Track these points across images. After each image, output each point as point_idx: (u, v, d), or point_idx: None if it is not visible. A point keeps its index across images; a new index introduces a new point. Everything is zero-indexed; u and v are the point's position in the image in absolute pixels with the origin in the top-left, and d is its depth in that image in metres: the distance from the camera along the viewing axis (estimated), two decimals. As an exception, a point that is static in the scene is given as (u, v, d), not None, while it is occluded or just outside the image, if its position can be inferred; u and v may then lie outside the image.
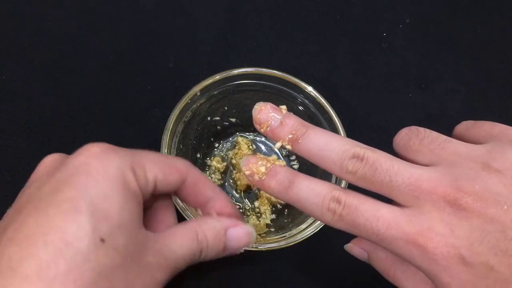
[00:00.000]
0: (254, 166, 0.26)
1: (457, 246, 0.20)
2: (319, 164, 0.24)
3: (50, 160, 0.25)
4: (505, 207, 0.20)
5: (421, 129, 0.25)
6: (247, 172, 0.26)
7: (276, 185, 0.25)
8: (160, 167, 0.25)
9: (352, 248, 0.32)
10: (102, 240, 0.20)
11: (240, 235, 0.27)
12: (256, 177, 0.26)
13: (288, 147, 0.25)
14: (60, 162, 0.24)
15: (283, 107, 0.27)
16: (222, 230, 0.26)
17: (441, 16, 0.53)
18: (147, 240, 0.23)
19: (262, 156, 0.27)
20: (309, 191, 0.24)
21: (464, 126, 0.26)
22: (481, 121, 0.25)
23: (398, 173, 0.22)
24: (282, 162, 0.28)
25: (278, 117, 0.26)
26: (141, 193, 0.24)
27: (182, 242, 0.24)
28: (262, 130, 0.26)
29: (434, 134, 0.24)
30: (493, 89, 0.50)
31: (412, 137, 0.24)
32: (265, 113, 0.26)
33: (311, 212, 0.24)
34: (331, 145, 0.24)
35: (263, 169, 0.26)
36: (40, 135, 0.44)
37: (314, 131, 0.25)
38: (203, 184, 0.28)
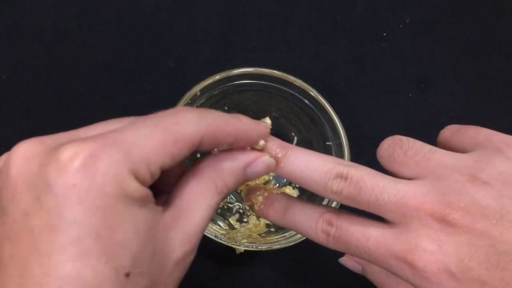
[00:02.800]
0: (254, 197, 0.27)
1: (446, 262, 0.20)
2: (303, 185, 0.24)
3: (27, 155, 0.19)
4: (494, 221, 0.20)
5: (404, 139, 0.24)
6: (247, 203, 0.27)
7: (273, 213, 0.26)
8: (165, 150, 0.20)
9: (346, 261, 0.32)
10: (127, 275, 0.18)
11: (260, 169, 0.24)
12: (256, 207, 0.27)
13: (270, 177, 0.26)
14: (41, 163, 0.19)
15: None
16: (242, 170, 0.24)
17: (441, 16, 0.53)
18: (167, 232, 0.21)
19: (261, 186, 0.28)
20: (303, 215, 0.25)
21: (449, 132, 0.26)
22: (466, 126, 0.25)
23: (383, 191, 0.22)
24: (279, 190, 0.29)
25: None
26: (148, 192, 0.20)
27: (202, 205, 0.22)
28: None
29: (418, 144, 0.23)
30: (493, 89, 0.50)
31: (396, 148, 0.24)
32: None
33: (307, 235, 0.25)
34: (313, 166, 0.23)
35: (260, 198, 0.27)
36: (40, 135, 0.44)
37: (295, 152, 0.24)
38: (218, 139, 0.23)
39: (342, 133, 0.38)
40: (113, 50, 0.49)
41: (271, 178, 0.41)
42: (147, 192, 0.20)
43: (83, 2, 0.51)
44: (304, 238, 0.35)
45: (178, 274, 0.22)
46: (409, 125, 0.48)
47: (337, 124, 0.38)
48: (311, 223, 0.24)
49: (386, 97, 0.49)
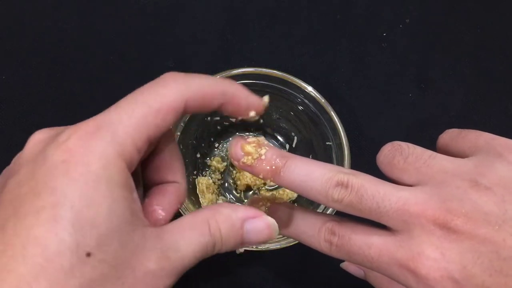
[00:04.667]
0: (257, 208, 0.26)
1: (449, 269, 0.20)
2: (303, 194, 0.24)
3: (37, 140, 0.22)
4: (497, 227, 0.20)
5: (404, 145, 0.24)
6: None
7: (277, 223, 0.25)
8: (148, 123, 0.21)
9: (348, 266, 0.32)
10: (88, 254, 0.18)
11: (260, 228, 0.23)
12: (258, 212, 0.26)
13: (270, 182, 0.25)
14: (46, 144, 0.21)
15: (262, 138, 0.26)
16: (239, 221, 0.23)
17: (441, 16, 0.53)
18: (146, 241, 0.20)
19: (264, 196, 0.28)
20: (305, 224, 0.25)
21: (448, 136, 0.26)
22: (466, 130, 0.25)
23: (384, 198, 0.22)
24: (282, 199, 0.28)
25: (254, 150, 0.25)
26: (132, 179, 0.21)
27: (191, 236, 0.21)
28: (239, 166, 0.25)
29: (419, 150, 0.23)
30: (493, 89, 0.50)
31: (396, 154, 0.23)
32: (241, 148, 0.25)
33: (310, 245, 0.25)
34: (313, 175, 0.23)
35: (263, 209, 0.27)
36: (40, 135, 0.44)
37: (295, 161, 0.24)
38: (205, 101, 0.23)
39: (342, 133, 0.38)
40: (113, 50, 0.49)
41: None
42: (128, 176, 0.20)
43: (83, 2, 0.51)
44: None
45: (150, 285, 0.20)
46: (409, 125, 0.48)
47: (337, 124, 0.38)
48: (314, 233, 0.24)
49: (386, 97, 0.49)
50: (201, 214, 0.22)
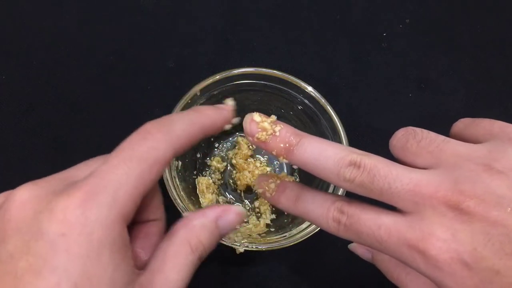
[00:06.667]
0: (266, 184, 0.27)
1: (459, 251, 0.20)
2: (315, 173, 0.24)
3: (23, 202, 0.21)
4: (509, 209, 0.20)
5: (418, 129, 0.24)
6: (260, 191, 0.27)
7: (285, 200, 0.26)
8: (145, 180, 0.22)
9: (357, 247, 0.32)
10: None
11: (231, 219, 0.25)
12: (268, 193, 0.27)
13: (282, 159, 0.25)
14: (36, 211, 0.20)
15: (273, 117, 0.26)
16: (213, 224, 0.25)
17: (441, 16, 0.53)
18: None
19: (273, 173, 0.28)
20: (314, 203, 0.25)
21: (462, 124, 0.26)
22: (479, 119, 0.25)
23: (396, 179, 0.22)
24: (291, 178, 0.28)
25: (269, 127, 0.25)
26: (128, 235, 0.22)
27: (178, 263, 0.23)
28: (253, 141, 0.25)
29: (432, 135, 0.23)
30: (493, 89, 0.50)
31: (409, 138, 0.24)
32: (256, 124, 0.25)
33: (319, 224, 0.25)
34: (326, 153, 0.23)
35: (273, 185, 0.27)
36: (40, 135, 0.44)
37: (308, 139, 0.24)
38: (188, 144, 0.25)
39: (342, 133, 0.38)
40: (113, 50, 0.49)
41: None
42: (127, 235, 0.21)
43: (83, 2, 0.51)
44: (304, 238, 0.35)
45: None
46: (409, 125, 0.47)
47: (337, 124, 0.38)
48: (323, 211, 0.24)
49: (386, 97, 0.49)
50: (178, 237, 0.23)
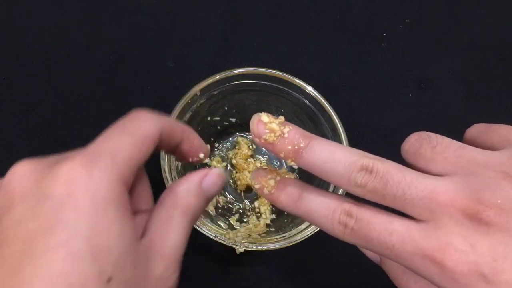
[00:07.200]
0: (264, 180, 0.25)
1: (478, 263, 0.19)
2: (324, 177, 0.23)
3: (24, 173, 0.21)
4: None
5: (433, 135, 0.23)
6: (257, 186, 0.25)
7: (285, 198, 0.24)
8: (138, 150, 0.23)
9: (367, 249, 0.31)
10: (109, 279, 0.19)
11: (214, 180, 0.26)
12: (266, 190, 0.25)
13: (290, 162, 0.24)
14: (38, 177, 0.21)
15: (281, 117, 0.25)
16: (198, 187, 0.25)
17: (441, 16, 0.53)
18: (146, 251, 0.22)
19: (272, 168, 0.26)
20: (319, 203, 0.23)
21: (476, 130, 0.25)
22: (495, 124, 0.24)
23: (411, 185, 0.21)
24: (292, 175, 0.26)
25: (277, 128, 0.24)
26: (128, 199, 0.22)
27: (173, 226, 0.23)
28: (260, 143, 0.24)
29: (447, 140, 0.22)
30: (493, 89, 0.50)
31: (423, 144, 0.22)
32: (264, 125, 0.24)
33: (321, 226, 0.23)
34: (336, 157, 0.22)
35: (272, 182, 0.25)
36: (40, 135, 0.44)
37: (318, 142, 0.23)
38: (171, 134, 0.26)
39: (342, 133, 0.38)
40: (113, 50, 0.49)
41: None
42: (128, 199, 0.22)
43: (83, 2, 0.51)
44: (304, 238, 0.35)
45: (165, 287, 0.22)
46: (409, 125, 0.47)
47: (337, 124, 0.38)
48: (327, 213, 0.23)
49: (386, 97, 0.49)
50: (167, 201, 0.24)
